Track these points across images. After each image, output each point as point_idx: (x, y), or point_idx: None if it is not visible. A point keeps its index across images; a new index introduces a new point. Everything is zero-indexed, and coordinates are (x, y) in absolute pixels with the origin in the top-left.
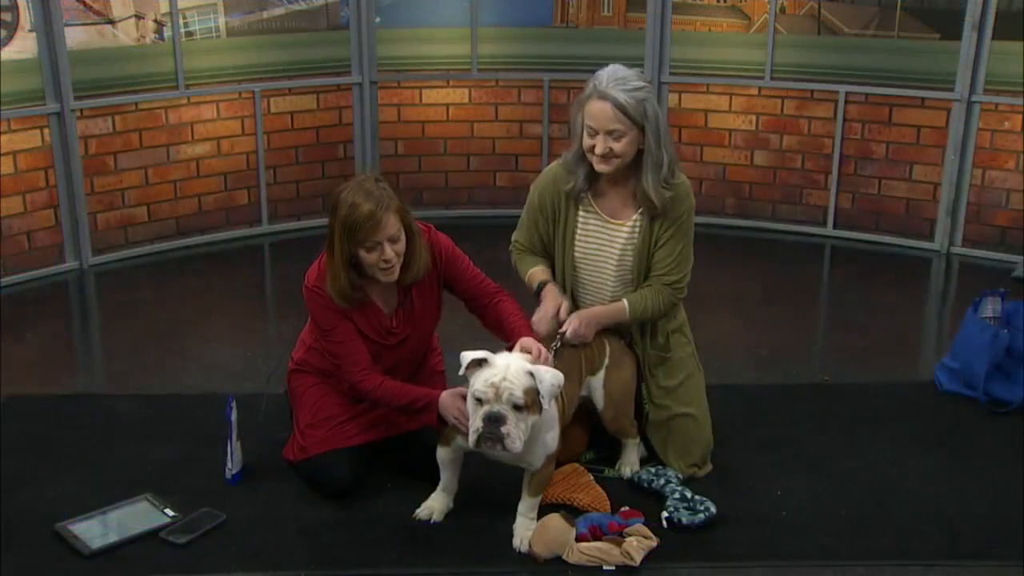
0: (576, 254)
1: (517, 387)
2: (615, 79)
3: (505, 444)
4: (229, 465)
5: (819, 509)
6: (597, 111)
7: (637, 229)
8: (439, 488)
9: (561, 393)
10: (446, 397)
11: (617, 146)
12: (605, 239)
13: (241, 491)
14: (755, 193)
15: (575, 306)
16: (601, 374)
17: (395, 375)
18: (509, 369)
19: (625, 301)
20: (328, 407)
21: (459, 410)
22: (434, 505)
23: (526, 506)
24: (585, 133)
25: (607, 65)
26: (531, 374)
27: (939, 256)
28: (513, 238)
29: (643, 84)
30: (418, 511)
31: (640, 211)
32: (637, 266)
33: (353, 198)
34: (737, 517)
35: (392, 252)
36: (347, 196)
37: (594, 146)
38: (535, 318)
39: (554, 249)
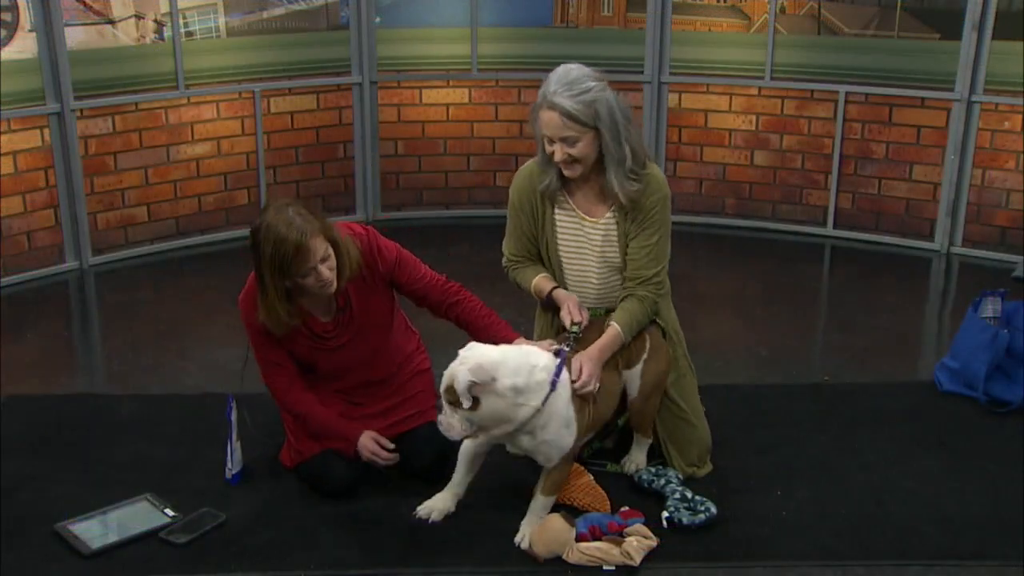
0: (560, 251)
1: (444, 384)
2: (563, 84)
3: (445, 435)
4: (229, 465)
5: (819, 509)
6: (547, 121)
7: (612, 225)
8: (448, 486)
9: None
10: (365, 439)
11: (574, 151)
12: (583, 236)
13: (241, 491)
14: (755, 193)
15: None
16: (639, 367)
17: (351, 378)
18: (452, 365)
19: (616, 325)
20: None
21: (370, 451)
22: (435, 504)
23: (538, 504)
24: (544, 141)
25: (558, 66)
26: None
27: (939, 256)
28: (504, 250)
29: (592, 84)
30: (419, 508)
31: (612, 207)
32: (623, 262)
33: (275, 233)
34: (737, 517)
35: (327, 270)
36: (268, 233)
37: (554, 153)
38: (563, 313)
39: (539, 247)
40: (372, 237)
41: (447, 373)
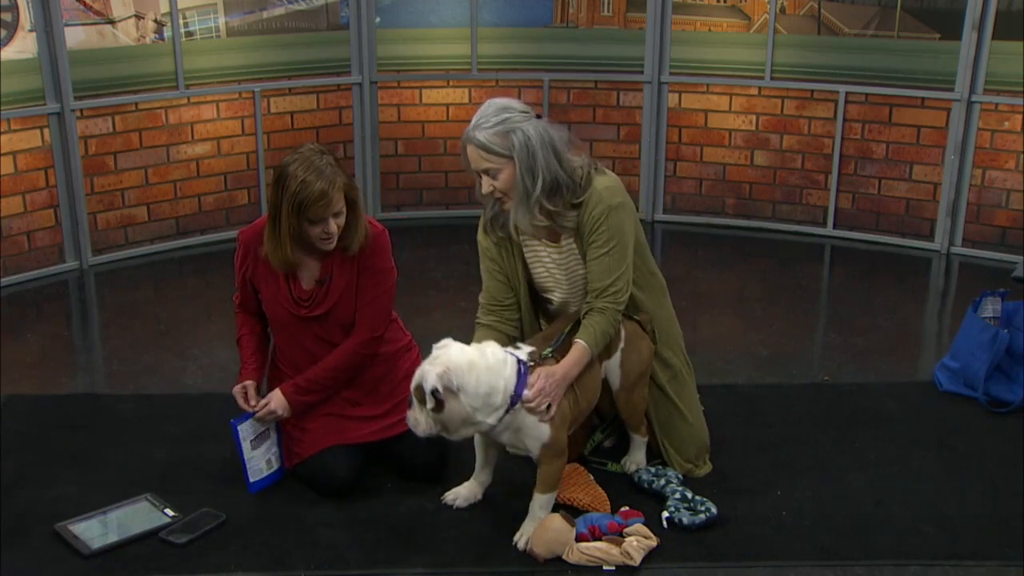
0: (534, 278)
1: (414, 382)
2: (483, 117)
3: (413, 430)
4: (248, 477)
5: (819, 509)
6: (468, 156)
7: (573, 246)
8: (473, 475)
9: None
10: (239, 388)
11: (498, 183)
12: (549, 261)
13: (241, 491)
14: (755, 193)
15: (543, 324)
16: (617, 356)
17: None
18: (423, 364)
19: (581, 342)
20: (314, 407)
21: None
22: (461, 491)
23: (536, 504)
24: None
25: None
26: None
27: (939, 256)
28: (479, 301)
29: (510, 115)
30: (446, 494)
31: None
32: None
33: (304, 174)
34: (737, 517)
35: (335, 226)
36: (296, 171)
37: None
38: None
39: (515, 279)
40: (384, 235)
41: (418, 371)
